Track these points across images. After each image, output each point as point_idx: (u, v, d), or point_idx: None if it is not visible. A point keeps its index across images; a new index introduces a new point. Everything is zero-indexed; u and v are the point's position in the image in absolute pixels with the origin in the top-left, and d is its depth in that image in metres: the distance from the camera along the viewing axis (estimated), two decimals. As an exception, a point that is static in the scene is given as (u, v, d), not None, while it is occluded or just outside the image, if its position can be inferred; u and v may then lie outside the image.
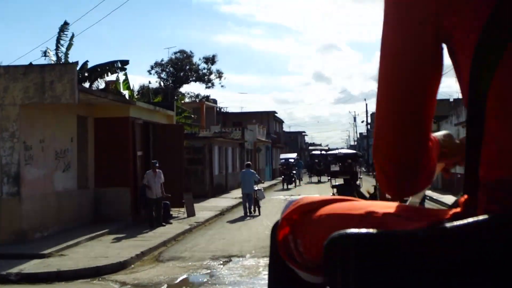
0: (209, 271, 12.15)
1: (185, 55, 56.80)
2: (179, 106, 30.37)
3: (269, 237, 1.61)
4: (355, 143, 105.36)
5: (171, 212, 19.88)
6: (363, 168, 25.71)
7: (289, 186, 41.49)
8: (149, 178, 18.15)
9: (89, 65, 24.55)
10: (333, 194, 20.17)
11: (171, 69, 56.35)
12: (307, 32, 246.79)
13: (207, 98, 55.50)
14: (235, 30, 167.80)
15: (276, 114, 66.61)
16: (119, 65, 23.93)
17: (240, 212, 22.90)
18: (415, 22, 1.16)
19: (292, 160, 47.30)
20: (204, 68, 57.41)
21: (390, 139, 1.21)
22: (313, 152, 62.55)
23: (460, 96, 1.27)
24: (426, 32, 1.16)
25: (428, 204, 21.37)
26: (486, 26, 1.09)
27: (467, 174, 1.17)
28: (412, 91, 1.19)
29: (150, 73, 58.03)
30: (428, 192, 24.05)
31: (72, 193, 17.45)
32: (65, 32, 23.52)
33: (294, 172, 43.87)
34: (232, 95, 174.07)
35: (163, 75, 56.42)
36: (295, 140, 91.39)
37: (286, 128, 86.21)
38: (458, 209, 1.22)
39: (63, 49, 23.75)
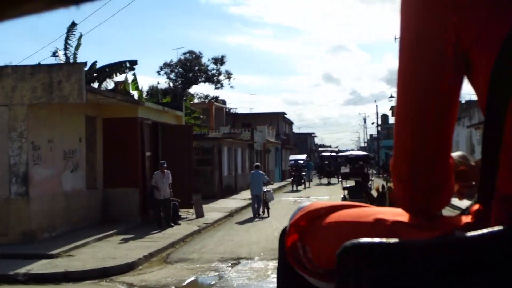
0: (217, 273, 12.03)
1: (194, 55, 56.72)
2: (188, 107, 30.29)
3: (278, 240, 1.62)
4: (365, 144, 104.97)
5: (179, 213, 19.78)
6: (373, 170, 25.48)
7: (299, 188, 41.28)
8: (157, 179, 18.06)
9: (98, 65, 24.52)
10: (344, 196, 20.08)
11: (180, 69, 56.30)
12: (316, 33, 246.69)
13: (216, 99, 55.42)
14: (243, 31, 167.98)
15: (285, 115, 66.41)
16: (128, 65, 23.86)
17: (249, 213, 22.77)
18: (434, 42, 1.16)
19: (302, 162, 47.10)
20: (213, 69, 57.34)
21: (411, 160, 1.22)
22: (323, 153, 62.30)
23: (473, 98, 1.22)
24: (446, 53, 1.15)
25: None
26: (507, 40, 1.08)
27: (483, 185, 1.17)
28: (433, 114, 1.19)
29: (159, 74, 57.97)
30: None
31: (81, 194, 17.38)
32: (73, 32, 23.46)
33: (304, 173, 43.65)
34: (241, 96, 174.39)
35: (172, 75, 56.39)
36: (305, 141, 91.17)
37: (295, 130, 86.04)
38: (470, 218, 1.23)
39: (72, 49, 23.70)
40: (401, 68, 1.22)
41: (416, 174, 1.23)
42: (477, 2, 1.13)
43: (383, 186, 14.21)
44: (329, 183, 48.74)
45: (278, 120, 61.15)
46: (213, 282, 11.31)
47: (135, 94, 24.93)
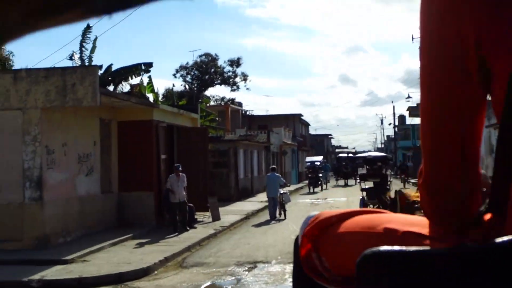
0: (233, 277, 11.79)
1: (210, 58, 56.66)
2: (203, 109, 30.15)
3: (293, 249, 1.65)
4: (382, 145, 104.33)
5: (195, 216, 19.60)
6: (391, 171, 25.25)
7: (315, 190, 40.97)
8: (172, 182, 17.88)
9: (114, 68, 24.44)
10: (363, 197, 19.86)
11: (196, 72, 56.23)
12: (332, 34, 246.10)
13: (232, 101, 55.33)
14: (260, 33, 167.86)
15: (302, 117, 66.08)
16: (143, 68, 23.76)
17: (265, 216, 22.55)
18: (453, 44, 1.14)
19: (318, 163, 46.80)
20: (229, 71, 57.25)
21: (437, 168, 1.23)
22: (340, 155, 61.92)
23: (489, 97, 1.22)
24: (466, 55, 1.14)
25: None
26: None
27: (495, 193, 1.15)
28: (457, 119, 1.18)
29: (175, 77, 57.92)
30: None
31: (95, 198, 17.24)
32: (88, 35, 23.37)
33: (321, 175, 43.35)
34: (257, 98, 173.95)
35: (188, 78, 56.34)
36: (321, 143, 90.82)
37: (312, 131, 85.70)
38: (483, 228, 1.19)
39: (87, 52, 23.64)
40: (423, 72, 1.21)
41: (443, 183, 1.22)
42: (496, 4, 1.10)
43: (395, 192, 14.10)
44: (346, 185, 48.38)
45: (294, 121, 60.77)
46: (229, 287, 11.08)
47: (151, 96, 24.82)
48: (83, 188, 16.56)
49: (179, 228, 17.56)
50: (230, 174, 31.37)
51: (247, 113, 57.70)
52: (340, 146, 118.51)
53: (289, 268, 11.88)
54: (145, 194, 18.62)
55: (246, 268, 12.57)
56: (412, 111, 57.81)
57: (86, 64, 23.08)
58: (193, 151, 20.94)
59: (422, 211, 1.34)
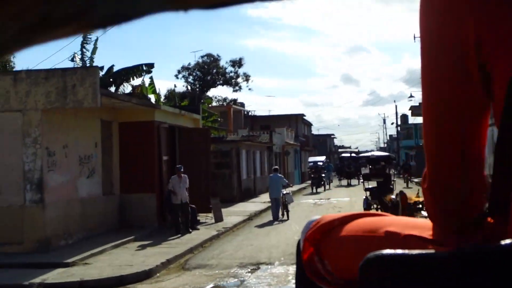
0: (236, 279, 11.66)
1: (212, 58, 56.52)
2: (205, 110, 30.03)
3: (295, 253, 1.64)
4: (385, 145, 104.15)
5: (198, 218, 19.47)
6: (394, 171, 25.16)
7: (318, 190, 40.81)
8: (174, 183, 17.75)
9: (115, 69, 24.34)
10: (366, 197, 19.72)
11: (198, 73, 56.10)
12: (334, 34, 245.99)
13: (234, 101, 55.16)
14: (262, 34, 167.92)
15: (304, 117, 65.94)
16: (145, 68, 23.65)
17: (268, 217, 22.42)
18: (454, 45, 1.14)
19: (321, 163, 46.65)
20: (231, 72, 57.10)
21: (440, 170, 1.23)
22: (343, 154, 61.77)
23: None
24: (467, 56, 1.13)
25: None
26: None
27: (496, 195, 1.15)
28: (459, 122, 1.19)
29: (177, 77, 57.73)
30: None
31: (97, 199, 17.12)
32: (89, 36, 23.26)
33: (324, 175, 43.20)
34: (259, 99, 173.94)
35: (190, 79, 56.21)
36: (324, 143, 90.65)
37: (314, 131, 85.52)
38: (485, 232, 1.20)
39: (88, 53, 23.53)
40: (424, 72, 1.21)
41: (443, 182, 1.23)
42: (496, 4, 1.09)
43: (396, 194, 14.05)
44: (349, 185, 48.21)
45: (297, 121, 60.63)
46: (232, 289, 10.97)
47: (152, 97, 24.71)
48: (84, 190, 16.44)
49: (181, 230, 17.42)
50: (233, 175, 31.24)
51: (250, 113, 57.58)
52: (342, 146, 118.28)
53: (292, 269, 11.74)
54: (147, 196, 18.50)
55: (249, 270, 12.44)
56: (415, 110, 57.71)
57: (88, 65, 22.97)
58: (195, 152, 20.81)
59: (422, 212, 1.34)
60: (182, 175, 17.84)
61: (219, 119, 33.56)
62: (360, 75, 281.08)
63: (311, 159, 53.87)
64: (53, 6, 0.50)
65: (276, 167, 24.95)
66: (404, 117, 79.81)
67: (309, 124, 72.53)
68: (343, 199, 31.41)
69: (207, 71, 56.01)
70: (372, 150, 60.78)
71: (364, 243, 1.36)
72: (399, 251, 1.09)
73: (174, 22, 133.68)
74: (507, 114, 1.10)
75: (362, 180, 23.53)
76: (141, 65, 23.81)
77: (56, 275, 11.88)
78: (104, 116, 17.76)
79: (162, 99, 29.70)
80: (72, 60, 23.65)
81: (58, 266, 12.53)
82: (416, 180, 43.46)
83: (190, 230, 17.62)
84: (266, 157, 41.45)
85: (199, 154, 20.89)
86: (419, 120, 59.98)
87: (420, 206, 11.59)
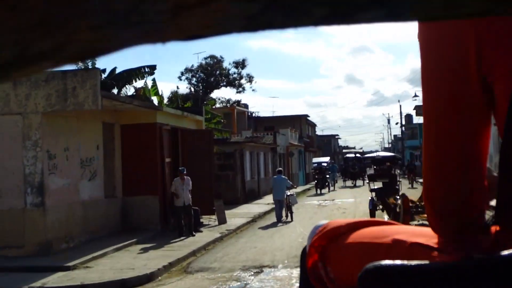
0: (239, 283, 11.50)
1: (215, 60, 56.39)
2: (209, 111, 29.90)
3: (299, 260, 1.63)
4: (390, 145, 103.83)
5: (201, 220, 19.33)
6: (399, 171, 25.07)
7: (323, 191, 40.57)
8: (176, 186, 17.61)
9: (117, 71, 24.25)
10: (372, 198, 19.54)
11: (201, 74, 55.98)
12: (338, 34, 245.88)
13: (238, 103, 55.01)
14: (265, 35, 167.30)
15: (308, 118, 65.74)
16: (147, 70, 23.54)
17: (272, 218, 22.27)
18: (456, 72, 1.16)
19: (325, 164, 46.43)
20: (234, 73, 56.96)
21: (440, 183, 1.27)
22: (347, 155, 61.54)
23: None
24: (469, 82, 1.15)
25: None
26: None
27: (500, 206, 1.15)
28: (463, 147, 1.21)
29: (181, 79, 57.59)
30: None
31: (99, 202, 16.98)
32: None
33: (328, 176, 42.98)
34: (263, 100, 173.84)
35: (193, 81, 56.09)
36: (328, 143, 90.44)
37: (319, 132, 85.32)
38: (491, 240, 1.20)
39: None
40: (425, 102, 1.25)
41: (446, 198, 1.25)
42: (498, 32, 1.11)
43: (398, 196, 13.93)
44: (354, 186, 47.98)
45: (301, 122, 60.42)
46: (234, 293, 10.82)
47: (155, 99, 24.60)
48: (86, 193, 16.31)
49: (184, 232, 17.28)
50: (237, 177, 31.08)
51: (253, 114, 57.42)
52: (347, 146, 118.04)
53: (296, 272, 11.59)
54: (150, 198, 18.35)
55: (252, 273, 12.29)
56: (419, 110, 57.40)
57: (90, 67, 22.86)
58: (198, 153, 20.66)
59: (422, 215, 1.64)
60: (185, 177, 17.71)
61: (222, 121, 33.44)
62: (364, 75, 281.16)
63: (315, 160, 53.65)
64: (27, 44, 0.49)
65: (280, 168, 24.82)
66: (409, 117, 79.54)
67: (313, 125, 72.32)
68: (348, 200, 31.20)
69: (211, 73, 55.87)
70: (376, 151, 60.50)
71: (370, 250, 1.37)
72: (398, 262, 1.08)
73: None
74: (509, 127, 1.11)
75: (367, 181, 23.40)
76: (143, 67, 23.72)
77: (57, 279, 11.75)
78: (106, 118, 17.63)
79: (165, 101, 29.58)
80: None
81: (58, 270, 12.40)
82: (420, 180, 43.20)
83: (194, 234, 17.45)
84: (270, 158, 41.29)
85: (202, 155, 20.74)
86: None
87: (421, 209, 11.46)
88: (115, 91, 23.59)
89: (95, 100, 14.37)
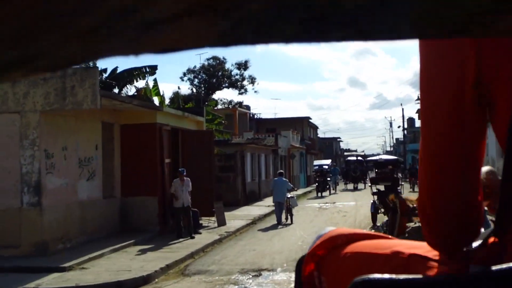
0: (237, 286, 11.32)
1: (217, 61, 56.26)
2: (210, 112, 29.74)
3: (295, 270, 1.61)
4: (392, 148, 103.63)
5: (201, 222, 19.15)
6: (400, 174, 24.98)
7: (323, 194, 40.31)
8: (176, 187, 17.44)
9: (118, 71, 24.11)
10: (374, 201, 19.34)
11: (203, 75, 55.85)
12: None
13: (240, 104, 54.86)
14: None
15: (310, 120, 65.55)
16: (148, 70, 23.39)
17: (272, 221, 22.10)
18: (453, 79, 1.16)
19: (326, 167, 46.21)
20: (236, 74, 56.83)
21: (434, 198, 1.25)
22: (349, 158, 61.34)
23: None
24: (465, 89, 1.14)
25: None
26: None
27: (500, 218, 1.16)
28: (455, 156, 1.20)
29: (183, 80, 57.50)
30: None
31: (97, 203, 16.80)
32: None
33: (329, 179, 42.75)
34: (265, 102, 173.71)
35: (195, 81, 55.97)
36: (330, 146, 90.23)
37: (321, 134, 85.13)
38: (486, 252, 1.18)
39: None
40: (423, 103, 1.25)
41: (440, 212, 1.23)
42: (497, 40, 1.10)
43: (395, 196, 13.76)
44: (355, 189, 47.74)
45: (302, 124, 60.22)
46: (232, 297, 10.64)
47: (156, 100, 24.45)
48: (84, 193, 16.13)
49: (183, 234, 17.10)
50: (237, 178, 30.90)
51: (255, 116, 57.29)
52: (349, 149, 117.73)
53: (295, 276, 11.41)
54: (149, 199, 18.17)
55: (250, 276, 12.10)
56: (422, 114, 57.16)
57: (89, 66, 22.70)
58: (198, 154, 20.50)
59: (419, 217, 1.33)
60: (185, 178, 17.53)
61: (223, 122, 33.27)
62: (367, 78, 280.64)
63: (317, 162, 53.45)
64: None
65: (281, 171, 24.67)
66: (411, 120, 79.44)
67: (315, 127, 72.13)
68: (349, 203, 31.00)
69: (213, 74, 55.75)
70: (378, 154, 60.42)
71: (369, 260, 1.36)
72: (386, 275, 1.08)
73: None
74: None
75: (369, 184, 23.27)
76: (144, 67, 23.58)
77: (51, 280, 11.58)
78: (105, 118, 17.47)
79: (167, 102, 29.43)
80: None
81: (54, 271, 12.24)
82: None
83: (193, 236, 17.27)
84: (271, 160, 41.12)
85: (203, 157, 20.57)
86: (426, 123, 59.61)
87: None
88: (116, 91, 23.45)
89: (94, 99, 14.21)
